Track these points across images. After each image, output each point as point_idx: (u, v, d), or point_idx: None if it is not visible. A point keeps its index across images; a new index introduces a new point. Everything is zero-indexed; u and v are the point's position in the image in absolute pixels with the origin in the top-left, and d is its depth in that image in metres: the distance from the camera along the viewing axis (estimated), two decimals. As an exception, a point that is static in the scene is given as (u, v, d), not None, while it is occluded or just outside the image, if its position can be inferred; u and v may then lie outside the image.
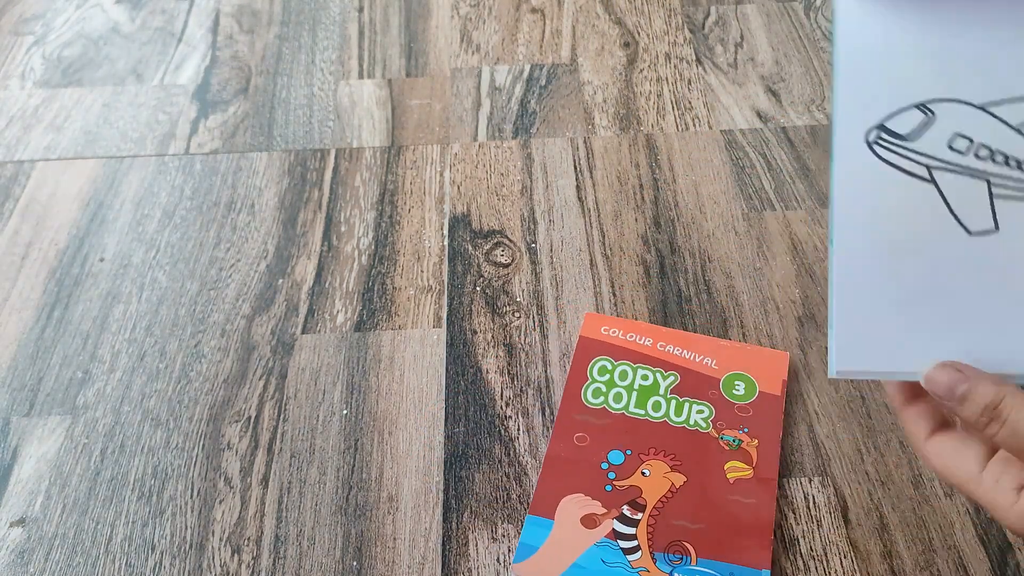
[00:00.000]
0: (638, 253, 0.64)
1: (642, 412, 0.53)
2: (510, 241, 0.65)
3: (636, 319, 0.59)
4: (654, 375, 0.55)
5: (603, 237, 0.65)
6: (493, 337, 0.59)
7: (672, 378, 0.55)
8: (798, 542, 0.49)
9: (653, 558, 0.47)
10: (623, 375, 0.55)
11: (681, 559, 0.47)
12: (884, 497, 0.50)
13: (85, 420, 0.56)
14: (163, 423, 0.55)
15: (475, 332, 0.59)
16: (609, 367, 0.56)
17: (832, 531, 0.49)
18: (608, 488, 0.50)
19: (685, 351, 0.56)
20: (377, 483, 0.52)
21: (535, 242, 0.65)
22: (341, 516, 0.51)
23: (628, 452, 0.51)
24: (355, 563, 0.49)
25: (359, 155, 0.72)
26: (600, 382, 0.55)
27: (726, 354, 0.56)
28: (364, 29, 0.84)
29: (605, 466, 0.51)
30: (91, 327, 0.61)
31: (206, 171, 0.71)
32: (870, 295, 0.33)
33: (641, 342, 0.57)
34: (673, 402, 0.54)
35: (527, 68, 0.79)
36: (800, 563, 0.48)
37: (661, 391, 0.54)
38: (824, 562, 0.48)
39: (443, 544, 0.49)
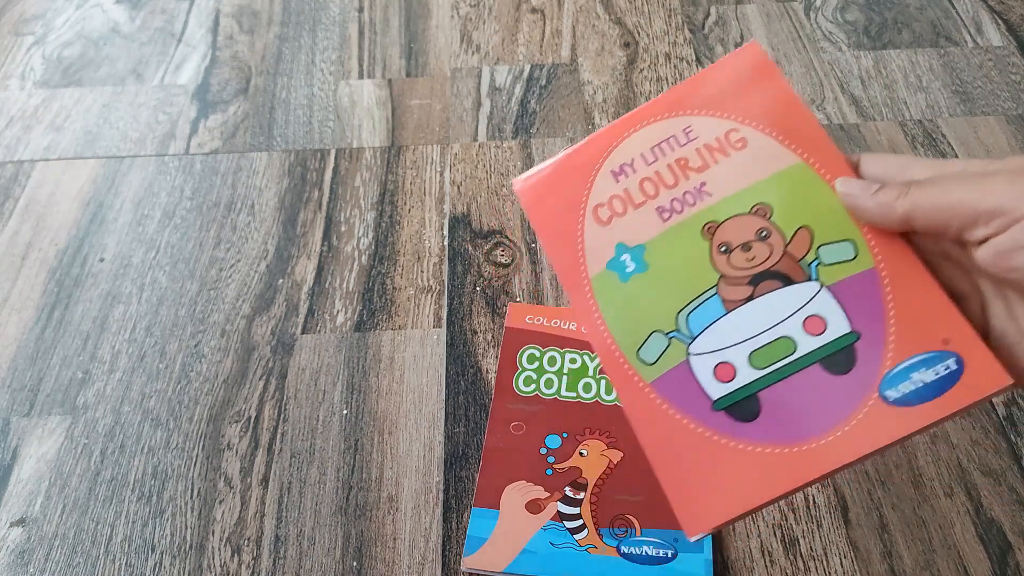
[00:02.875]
0: (638, 253, 0.64)
1: (574, 395, 0.54)
2: (510, 241, 0.65)
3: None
4: (582, 358, 0.56)
5: (603, 237, 0.65)
6: (493, 337, 0.59)
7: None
8: (798, 542, 0.49)
9: (599, 534, 0.48)
10: (552, 361, 0.56)
11: (626, 532, 0.48)
12: (884, 497, 0.50)
13: (85, 420, 0.55)
14: (163, 423, 0.55)
15: (475, 332, 0.59)
16: (537, 354, 0.56)
17: (832, 531, 0.49)
18: (549, 472, 0.51)
19: None
20: (377, 483, 0.52)
21: (535, 242, 0.65)
22: (341, 516, 0.51)
23: (564, 435, 0.53)
24: (355, 563, 0.49)
25: (359, 155, 0.72)
26: (530, 370, 0.56)
27: None
28: (364, 29, 0.84)
29: (543, 451, 0.52)
30: (91, 327, 0.61)
31: (206, 171, 0.71)
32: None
33: (566, 327, 0.58)
34: (603, 381, 0.55)
35: (527, 68, 0.79)
36: (800, 563, 0.48)
37: (590, 372, 0.55)
38: (824, 562, 0.48)
39: (443, 544, 0.49)
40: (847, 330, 0.35)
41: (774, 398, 0.35)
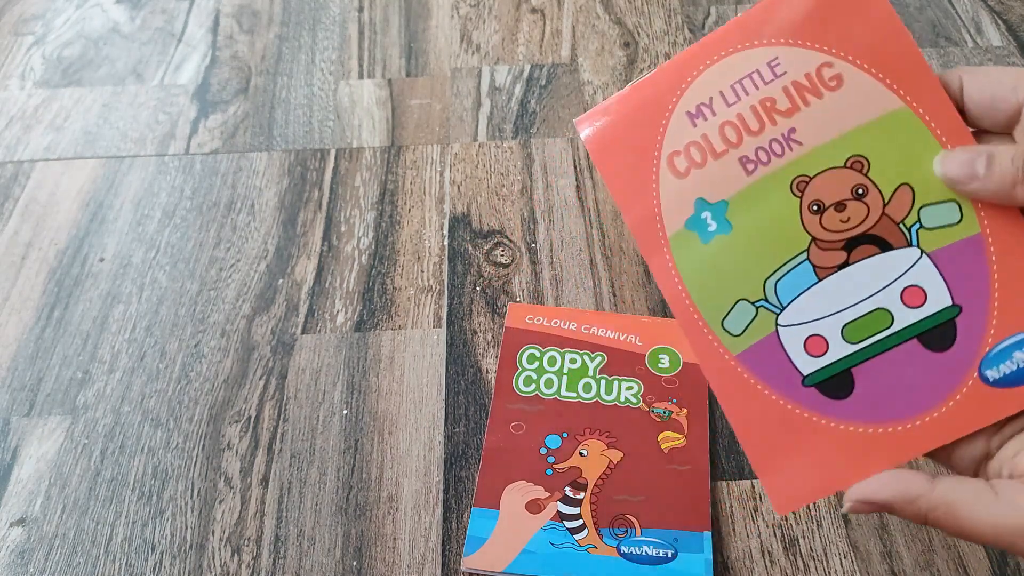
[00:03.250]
0: (638, 253, 0.64)
1: (574, 395, 0.54)
2: (510, 241, 0.65)
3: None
4: (582, 357, 0.56)
5: (603, 237, 0.65)
6: (493, 337, 0.59)
7: (599, 358, 0.56)
8: (798, 542, 0.49)
9: (599, 534, 0.48)
10: (552, 361, 0.56)
11: (626, 532, 0.48)
12: (884, 497, 0.50)
13: (85, 420, 0.55)
14: (163, 423, 0.55)
15: (475, 332, 0.59)
16: (537, 354, 0.57)
17: (832, 531, 0.49)
18: (548, 472, 0.51)
19: (609, 331, 0.57)
20: (377, 483, 0.52)
21: (535, 242, 0.65)
22: (341, 516, 0.51)
23: (564, 435, 0.53)
24: (355, 563, 0.49)
25: (359, 155, 0.72)
26: (530, 370, 0.56)
27: (648, 330, 0.57)
28: (364, 29, 0.84)
29: (543, 451, 0.52)
30: (91, 327, 0.61)
31: (206, 171, 0.71)
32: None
33: (566, 327, 0.58)
34: (603, 381, 0.55)
35: (527, 68, 0.79)
36: (800, 563, 0.48)
37: (590, 372, 0.55)
38: (824, 562, 0.48)
39: (443, 544, 0.49)
40: (948, 303, 0.32)
41: (869, 375, 0.33)
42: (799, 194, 0.34)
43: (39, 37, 0.85)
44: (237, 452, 0.54)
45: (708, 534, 0.48)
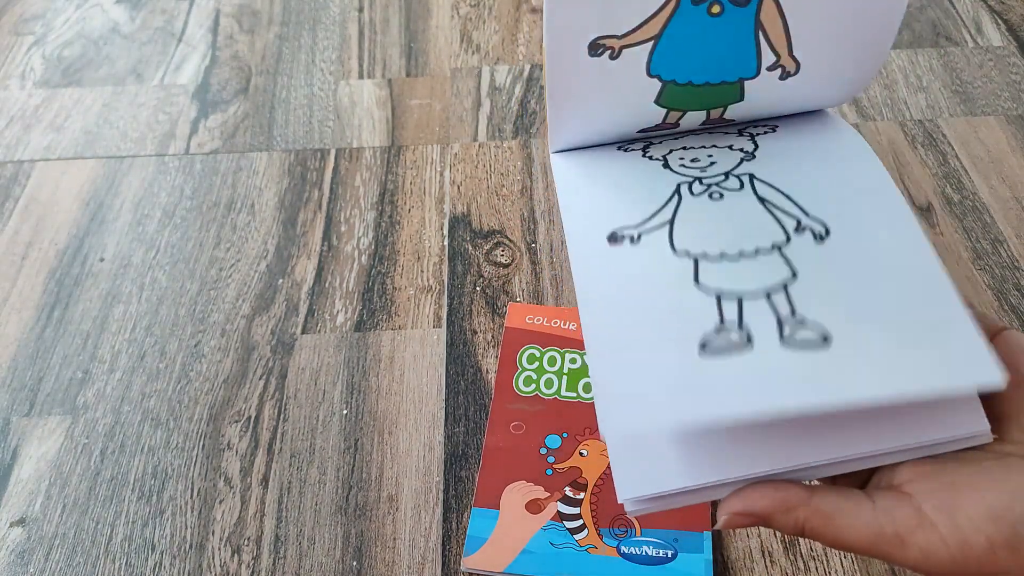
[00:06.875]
0: (638, 253, 0.64)
1: (574, 395, 0.54)
2: (510, 241, 0.65)
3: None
4: (582, 358, 0.56)
5: (603, 237, 0.65)
6: (493, 337, 0.59)
7: None
8: (798, 542, 0.49)
9: (599, 534, 0.48)
10: (552, 361, 0.56)
11: (626, 532, 0.48)
12: (884, 497, 0.50)
13: (85, 420, 0.55)
14: (163, 423, 0.55)
15: (475, 332, 0.59)
16: (538, 354, 0.57)
17: (832, 531, 0.49)
18: (549, 472, 0.51)
19: None
20: (377, 483, 0.52)
21: (535, 242, 0.65)
22: (341, 516, 0.51)
23: (564, 435, 0.53)
24: (355, 563, 0.49)
25: (359, 155, 0.72)
26: (530, 370, 0.56)
27: None
28: (364, 29, 0.84)
29: (543, 451, 0.52)
30: (91, 327, 0.60)
31: (206, 171, 0.71)
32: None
33: (566, 327, 0.58)
34: None
35: (527, 68, 0.79)
36: (800, 563, 0.48)
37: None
38: (824, 562, 0.48)
39: (443, 544, 0.49)
40: None
41: None
42: None
43: (39, 37, 0.85)
44: (237, 452, 0.54)
45: (708, 534, 0.48)
